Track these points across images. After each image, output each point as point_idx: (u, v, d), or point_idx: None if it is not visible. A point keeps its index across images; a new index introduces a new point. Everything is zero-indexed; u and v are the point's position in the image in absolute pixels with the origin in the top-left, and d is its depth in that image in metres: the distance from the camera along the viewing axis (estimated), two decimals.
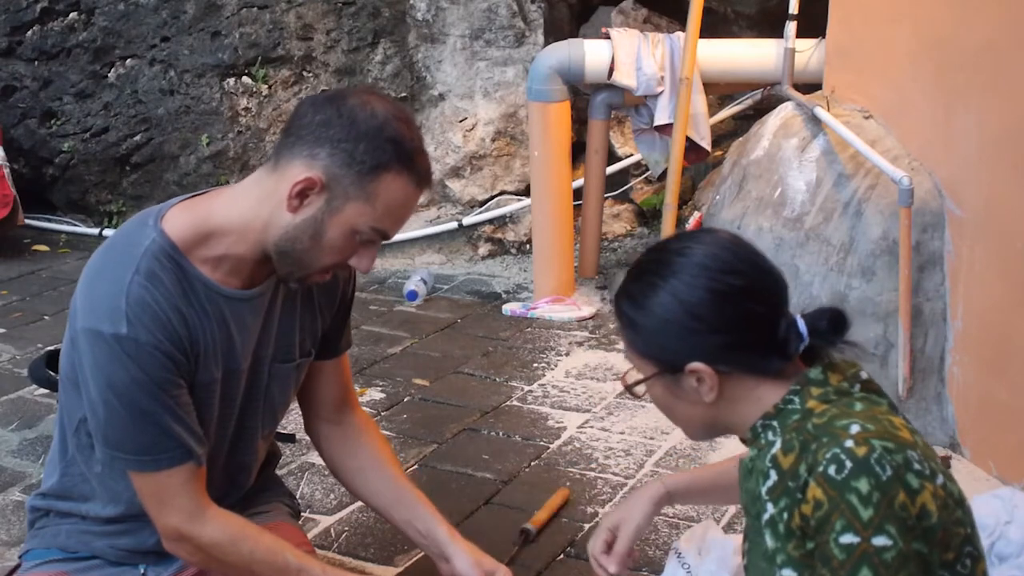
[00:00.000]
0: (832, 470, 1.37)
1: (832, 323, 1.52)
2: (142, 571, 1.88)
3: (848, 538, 1.35)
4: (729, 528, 2.69)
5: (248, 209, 1.74)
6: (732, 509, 2.79)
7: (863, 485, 1.35)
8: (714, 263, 1.51)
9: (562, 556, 2.59)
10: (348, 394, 2.13)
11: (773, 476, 1.46)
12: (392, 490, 2.07)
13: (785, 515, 1.44)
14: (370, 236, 1.74)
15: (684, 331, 1.50)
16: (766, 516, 1.47)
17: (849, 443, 1.38)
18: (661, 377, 1.54)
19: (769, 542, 1.46)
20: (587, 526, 2.72)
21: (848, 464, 1.36)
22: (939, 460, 1.46)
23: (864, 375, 1.53)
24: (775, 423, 1.50)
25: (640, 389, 1.60)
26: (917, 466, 1.38)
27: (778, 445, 1.47)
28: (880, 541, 1.34)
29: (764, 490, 1.47)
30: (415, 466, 3.05)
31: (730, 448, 3.07)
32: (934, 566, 1.37)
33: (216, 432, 1.84)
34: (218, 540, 1.76)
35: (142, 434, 1.70)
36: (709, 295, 1.49)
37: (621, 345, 3.84)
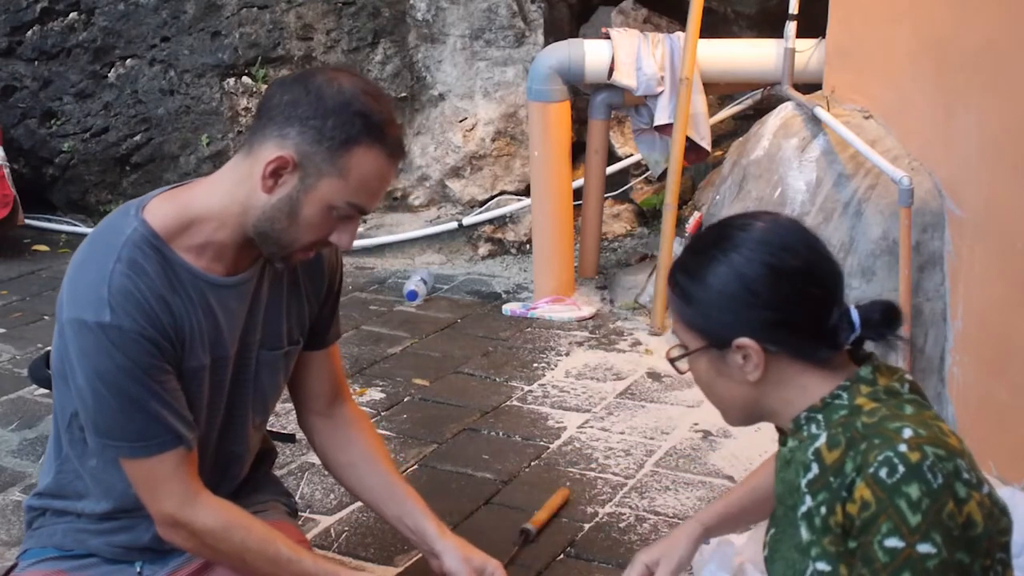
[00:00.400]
0: (884, 473, 1.37)
1: (885, 316, 1.52)
2: (138, 569, 1.87)
3: (893, 542, 1.35)
4: None
5: (226, 194, 1.76)
6: None
7: (914, 491, 1.35)
8: (775, 240, 1.51)
9: (562, 556, 2.59)
10: (340, 388, 2.13)
11: (815, 469, 1.47)
12: (383, 486, 2.07)
13: (823, 509, 1.44)
14: (347, 212, 1.74)
15: (738, 304, 1.49)
16: (803, 508, 1.48)
17: (903, 447, 1.37)
18: (707, 351, 1.54)
19: (804, 534, 1.47)
20: (587, 526, 2.72)
21: (901, 469, 1.36)
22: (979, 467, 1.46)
23: (909, 377, 1.53)
24: (820, 416, 1.50)
25: (683, 365, 1.59)
26: (966, 475, 1.38)
27: (823, 439, 1.47)
28: (924, 548, 1.34)
29: (804, 482, 1.48)
30: (415, 466, 3.05)
31: (731, 449, 3.07)
32: (975, 575, 1.38)
33: (206, 421, 1.84)
34: (211, 527, 1.76)
35: (130, 421, 1.70)
36: (767, 270, 1.49)
37: (621, 345, 3.86)
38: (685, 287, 1.55)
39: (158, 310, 1.70)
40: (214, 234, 1.76)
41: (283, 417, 3.11)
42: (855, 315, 1.50)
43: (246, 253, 1.81)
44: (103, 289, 1.67)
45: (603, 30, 4.27)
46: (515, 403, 3.46)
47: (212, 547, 1.78)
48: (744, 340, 1.49)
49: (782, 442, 1.58)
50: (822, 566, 1.43)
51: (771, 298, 1.49)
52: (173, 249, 1.74)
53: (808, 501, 1.47)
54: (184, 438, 1.74)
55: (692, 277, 1.54)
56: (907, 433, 1.39)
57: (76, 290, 1.71)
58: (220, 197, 1.76)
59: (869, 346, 1.56)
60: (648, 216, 4.96)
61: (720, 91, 4.60)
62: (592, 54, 4.15)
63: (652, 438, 3.19)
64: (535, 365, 3.76)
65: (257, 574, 1.80)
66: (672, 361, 1.60)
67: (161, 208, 1.77)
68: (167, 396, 1.72)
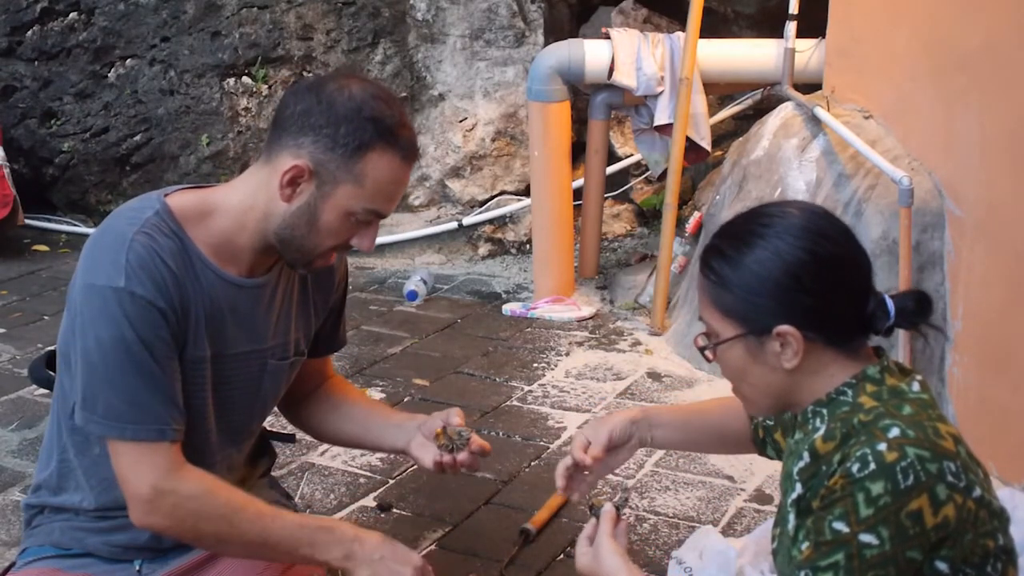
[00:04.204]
0: (856, 468, 1.39)
1: (918, 304, 1.53)
2: (137, 567, 1.87)
3: (839, 525, 1.39)
4: (729, 530, 2.69)
5: (246, 196, 1.78)
6: (731, 510, 2.79)
7: (877, 488, 1.37)
8: (816, 227, 1.51)
9: (562, 556, 2.59)
10: (325, 378, 2.16)
11: (806, 458, 1.49)
12: (369, 422, 2.10)
13: (808, 494, 1.47)
14: (365, 217, 1.76)
15: (780, 290, 1.49)
16: (793, 495, 1.51)
17: (882, 446, 1.39)
18: (744, 339, 1.52)
19: (792, 520, 1.50)
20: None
21: (872, 466, 1.38)
22: (982, 471, 1.47)
23: (920, 378, 1.53)
24: (824, 411, 1.52)
25: (710, 353, 1.58)
26: (951, 478, 1.39)
27: (821, 432, 1.49)
28: (867, 538, 1.37)
29: (796, 470, 1.51)
30: (415, 466, 3.04)
31: None
32: (937, 572, 1.40)
33: (205, 422, 1.84)
34: (196, 492, 1.71)
35: (117, 397, 1.68)
36: (809, 257, 1.48)
37: (621, 345, 3.86)
38: (723, 273, 1.52)
39: (170, 285, 1.71)
40: (234, 235, 1.78)
41: (283, 417, 3.10)
42: (890, 304, 1.51)
43: (263, 258, 1.83)
44: (121, 256, 1.68)
45: (603, 30, 4.27)
46: (515, 403, 3.46)
47: (196, 512, 1.72)
48: (785, 327, 1.48)
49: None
50: (804, 545, 1.46)
51: (812, 285, 1.48)
52: (191, 239, 1.76)
53: (798, 488, 1.50)
54: (167, 431, 1.71)
55: (730, 263, 1.52)
56: (893, 433, 1.41)
57: (93, 257, 1.72)
58: (240, 198, 1.78)
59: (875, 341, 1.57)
60: (648, 216, 4.96)
61: (720, 91, 4.60)
62: (592, 54, 4.15)
63: None
64: (535, 365, 3.76)
65: (242, 535, 1.74)
66: (702, 350, 1.59)
67: (183, 196, 1.80)
68: (162, 378, 1.70)
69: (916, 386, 1.51)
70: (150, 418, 1.70)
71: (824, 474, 1.45)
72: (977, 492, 1.42)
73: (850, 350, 1.52)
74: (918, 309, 1.53)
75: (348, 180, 1.71)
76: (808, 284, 1.48)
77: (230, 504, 1.73)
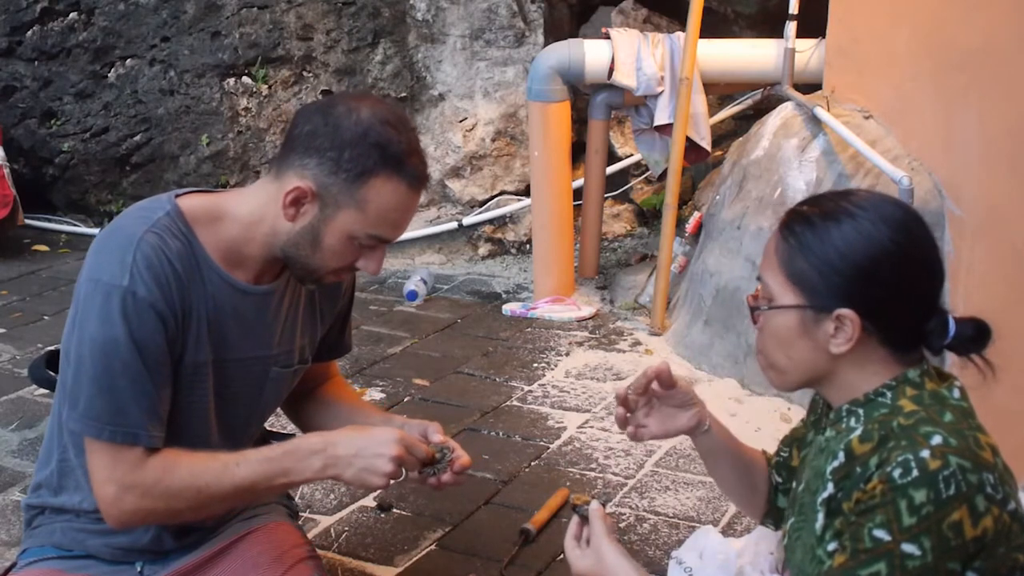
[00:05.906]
0: (897, 473, 1.37)
1: (978, 332, 1.52)
2: (139, 568, 1.87)
3: (881, 533, 1.37)
4: (729, 530, 2.69)
5: (256, 208, 1.78)
6: (731, 510, 2.79)
7: (920, 496, 1.35)
8: (910, 227, 1.48)
9: (562, 556, 2.58)
10: (328, 377, 2.16)
11: (841, 458, 1.47)
12: (346, 415, 2.05)
13: (840, 495, 1.45)
14: (368, 242, 1.76)
15: (856, 273, 1.46)
16: (824, 494, 1.48)
17: (925, 453, 1.37)
18: (802, 311, 1.49)
19: (820, 519, 1.48)
20: None
21: (915, 473, 1.36)
22: (1014, 483, 1.45)
23: (960, 384, 1.52)
24: (861, 411, 1.50)
25: (759, 314, 1.54)
26: (989, 490, 1.38)
27: (857, 432, 1.47)
28: (909, 548, 1.35)
29: (829, 469, 1.48)
30: None
31: None
32: None
33: (206, 425, 1.84)
34: (156, 475, 1.71)
35: (99, 396, 1.68)
36: (896, 249, 1.46)
37: (621, 345, 3.86)
38: (804, 238, 1.49)
39: (174, 288, 1.71)
40: (242, 244, 1.78)
41: (283, 417, 3.10)
42: (952, 325, 1.49)
43: (271, 267, 1.83)
44: (128, 255, 1.68)
45: (603, 30, 4.27)
46: (515, 403, 3.46)
47: (164, 494, 1.72)
48: (847, 311, 1.46)
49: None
50: (832, 546, 1.45)
51: (888, 277, 1.46)
52: (201, 243, 1.76)
53: (830, 488, 1.48)
54: (142, 435, 1.70)
55: (815, 231, 1.48)
56: (935, 440, 1.39)
57: (100, 254, 1.72)
58: (249, 209, 1.78)
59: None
60: (648, 216, 4.97)
61: (720, 91, 4.60)
62: (592, 54, 4.15)
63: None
64: (535, 365, 3.76)
65: (214, 495, 1.74)
66: (752, 310, 1.56)
67: (194, 199, 1.80)
68: (148, 383, 1.70)
69: (956, 393, 1.49)
70: (128, 422, 1.69)
71: (859, 476, 1.43)
72: (1012, 505, 1.41)
73: (899, 355, 1.50)
74: (976, 337, 1.51)
75: (350, 205, 1.71)
76: (885, 276, 1.45)
77: (192, 471, 1.72)
